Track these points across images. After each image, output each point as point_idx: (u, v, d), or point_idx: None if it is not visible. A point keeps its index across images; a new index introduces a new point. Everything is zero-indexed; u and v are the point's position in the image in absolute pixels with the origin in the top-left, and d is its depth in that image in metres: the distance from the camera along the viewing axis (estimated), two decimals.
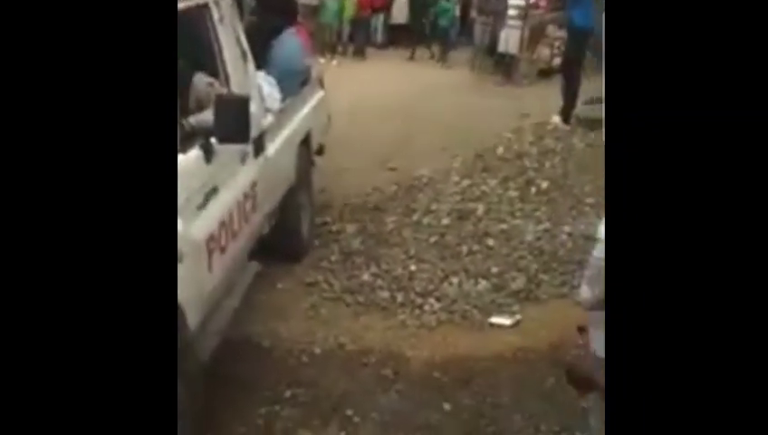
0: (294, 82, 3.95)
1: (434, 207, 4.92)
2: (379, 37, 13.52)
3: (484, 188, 5.26)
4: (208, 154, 2.48)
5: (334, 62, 11.34)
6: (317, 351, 3.28)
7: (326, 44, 11.67)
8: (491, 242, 4.39)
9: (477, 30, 11.07)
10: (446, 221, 4.69)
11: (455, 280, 3.95)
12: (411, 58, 12.18)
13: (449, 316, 3.62)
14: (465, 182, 5.37)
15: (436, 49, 12.20)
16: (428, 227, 4.64)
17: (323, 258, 4.19)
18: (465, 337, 3.45)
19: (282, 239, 3.77)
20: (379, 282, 3.93)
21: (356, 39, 12.60)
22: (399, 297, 3.78)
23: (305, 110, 4.11)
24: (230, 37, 2.96)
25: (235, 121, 2.40)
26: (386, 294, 3.82)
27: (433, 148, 6.28)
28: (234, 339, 3.00)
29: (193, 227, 2.34)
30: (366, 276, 3.99)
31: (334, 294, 3.82)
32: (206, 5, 2.77)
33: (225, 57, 2.86)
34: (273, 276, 3.84)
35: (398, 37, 13.42)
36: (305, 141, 4.09)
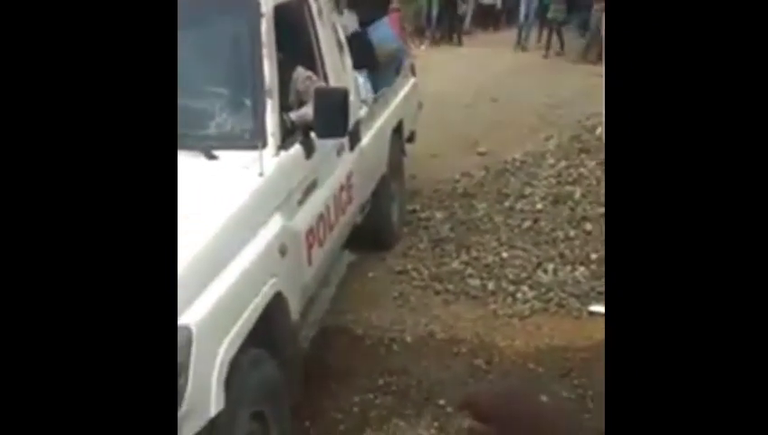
0: (387, 71, 3.96)
1: (527, 191, 4.83)
2: (468, 22, 13.31)
3: (582, 170, 5.12)
4: (309, 149, 2.53)
5: (422, 46, 11.28)
6: (408, 339, 3.31)
7: (416, 29, 11.62)
8: (589, 227, 4.27)
9: (594, 18, 10.55)
10: (540, 206, 4.60)
11: (549, 267, 3.88)
12: (519, 45, 11.66)
13: (544, 305, 3.56)
14: (562, 164, 5.24)
15: (528, 32, 11.79)
16: (521, 212, 4.57)
17: (412, 246, 4.21)
18: (562, 327, 3.38)
19: (373, 228, 3.82)
20: (470, 270, 3.91)
21: (444, 23, 12.46)
22: (491, 285, 3.75)
23: (398, 99, 4.12)
24: (328, 30, 3.00)
25: (334, 115, 2.42)
26: (476, 282, 3.80)
27: (525, 130, 6.15)
28: (329, 327, 3.08)
29: (294, 222, 2.40)
30: (456, 264, 3.98)
31: (423, 282, 3.84)
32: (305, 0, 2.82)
33: (323, 50, 2.89)
34: (365, 265, 3.90)
35: (488, 20, 13.17)
36: (397, 130, 4.11)
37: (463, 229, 4.40)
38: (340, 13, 3.48)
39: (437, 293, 3.73)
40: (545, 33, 11.32)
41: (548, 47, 11.06)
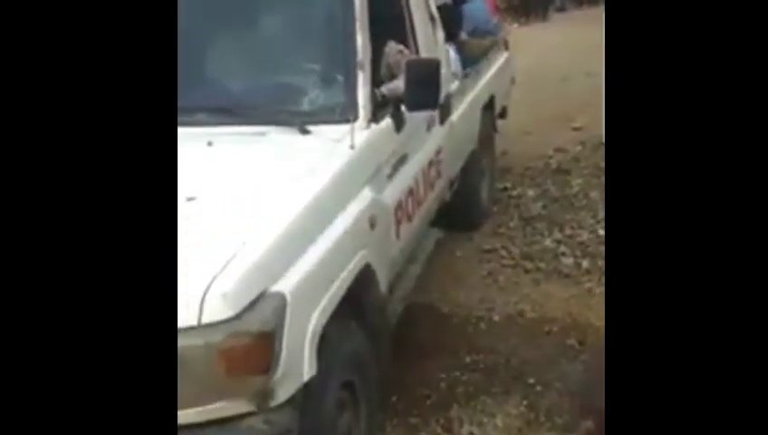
0: (480, 43, 3.89)
1: None
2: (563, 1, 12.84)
3: None
4: (399, 123, 2.53)
5: (515, 24, 11.01)
6: (496, 318, 3.27)
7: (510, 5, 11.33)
8: None
9: None
10: None
11: None
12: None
13: None
14: None
15: None
16: None
17: (502, 224, 4.14)
18: None
19: (461, 206, 3.78)
20: (563, 248, 3.80)
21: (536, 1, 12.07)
22: (585, 264, 3.63)
23: (490, 73, 4.03)
24: (420, 3, 2.96)
25: (425, 87, 2.40)
26: (570, 260, 3.68)
27: None
28: (415, 305, 3.09)
29: (384, 195, 2.41)
30: (548, 242, 3.88)
31: (513, 261, 3.77)
32: None
33: (414, 24, 2.87)
34: (452, 243, 3.87)
35: None
36: (489, 105, 4.03)
37: (556, 207, 4.27)
38: None
39: (527, 271, 3.65)
40: None
41: None
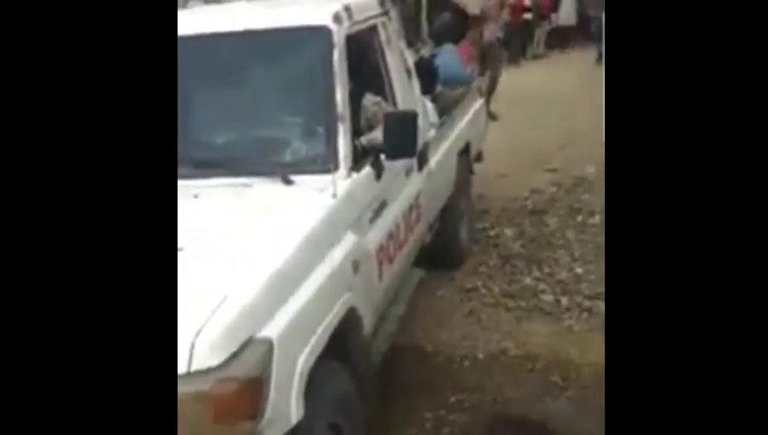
0: (454, 93, 4.06)
1: (600, 206, 4.76)
2: (541, 48, 13.23)
3: None
4: (378, 171, 2.64)
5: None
6: (480, 356, 3.33)
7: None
8: None
9: None
10: None
11: None
12: (599, 60, 11.51)
13: None
14: None
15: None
16: (594, 226, 4.51)
17: (482, 263, 4.24)
18: None
19: (441, 246, 3.88)
20: (542, 286, 3.90)
21: (511, 46, 12.45)
22: (565, 301, 3.72)
23: (464, 120, 4.19)
24: (396, 57, 3.12)
25: (403, 137, 2.51)
26: (550, 297, 3.78)
27: (598, 146, 6.06)
28: (400, 344, 3.15)
29: (366, 240, 2.51)
30: (527, 280, 3.98)
31: (494, 299, 3.85)
32: (374, 28, 2.95)
33: (391, 76, 3.01)
34: (433, 283, 3.95)
35: (564, 40, 13.05)
36: (465, 150, 4.18)
37: (534, 246, 4.39)
38: (424, 43, 3.62)
39: (509, 309, 3.73)
40: None
41: None
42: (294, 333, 1.89)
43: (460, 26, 4.51)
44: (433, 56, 3.99)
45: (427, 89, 3.66)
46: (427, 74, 3.63)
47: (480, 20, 5.27)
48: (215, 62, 2.70)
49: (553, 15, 13.38)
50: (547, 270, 4.06)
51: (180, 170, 2.36)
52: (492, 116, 7.10)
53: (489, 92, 5.09)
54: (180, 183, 2.32)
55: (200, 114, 2.69)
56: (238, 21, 2.79)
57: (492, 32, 6.03)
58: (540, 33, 13.22)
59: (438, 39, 4.06)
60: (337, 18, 2.62)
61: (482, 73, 4.81)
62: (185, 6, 3.26)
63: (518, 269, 4.12)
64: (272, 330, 1.81)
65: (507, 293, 3.88)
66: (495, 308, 3.77)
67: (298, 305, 1.95)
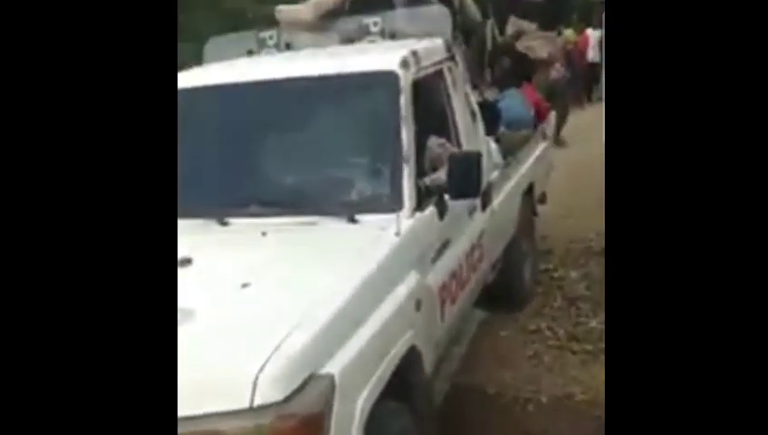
0: (517, 135, 4.09)
1: None
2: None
3: None
4: (442, 211, 2.67)
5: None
6: (544, 400, 3.26)
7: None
8: None
9: None
10: None
11: None
12: None
13: None
14: None
15: None
16: None
17: (546, 305, 4.18)
18: None
19: (504, 287, 3.85)
20: None
21: (575, 88, 12.38)
22: None
23: (529, 161, 4.20)
24: (461, 99, 3.18)
25: (467, 177, 2.54)
26: None
27: None
28: (461, 385, 3.13)
29: (428, 278, 2.53)
30: (594, 323, 3.89)
31: (559, 341, 3.78)
32: (440, 72, 3.02)
33: (456, 118, 3.07)
34: (496, 324, 3.91)
35: None
36: (528, 191, 4.17)
37: (600, 288, 4.28)
38: (489, 86, 3.68)
39: (574, 353, 3.65)
40: None
41: None
42: (356, 370, 1.91)
43: (522, 71, 4.56)
44: (497, 100, 4.04)
45: (491, 130, 3.70)
46: (491, 116, 3.67)
47: (547, 63, 5.30)
48: (287, 104, 2.81)
49: None
50: None
51: (250, 209, 2.53)
52: (561, 143, 7.04)
53: (559, 127, 5.10)
54: (249, 221, 2.47)
55: (270, 155, 2.80)
56: (311, 66, 2.92)
57: (558, 72, 6.05)
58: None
59: (500, 84, 4.11)
60: (404, 64, 2.71)
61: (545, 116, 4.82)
62: (259, 53, 3.43)
63: (583, 312, 4.03)
64: (334, 366, 1.83)
65: (572, 335, 3.80)
66: (560, 351, 3.70)
67: (360, 343, 1.98)
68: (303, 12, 3.47)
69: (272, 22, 3.63)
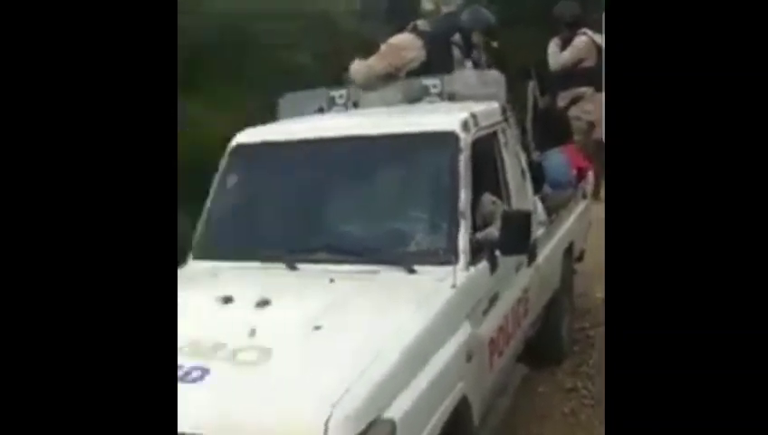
0: (560, 194, 4.22)
1: None
2: None
3: None
4: (493, 265, 2.79)
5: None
6: None
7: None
8: None
9: None
10: None
11: None
12: None
13: None
14: None
15: None
16: None
17: (582, 363, 4.20)
18: None
19: (543, 343, 3.91)
20: None
21: None
22: None
23: (570, 220, 4.31)
24: (513, 159, 3.32)
25: (518, 235, 2.67)
26: None
27: None
28: None
29: (480, 330, 2.63)
30: None
31: (594, 400, 3.80)
32: (495, 133, 3.19)
33: (508, 177, 3.21)
34: (534, 380, 3.95)
35: None
36: (569, 249, 4.27)
37: None
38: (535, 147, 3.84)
39: None
40: None
41: None
42: (414, 417, 2.01)
43: (561, 132, 4.69)
44: (540, 160, 4.18)
45: (536, 189, 3.83)
46: (536, 176, 3.80)
47: (593, 124, 5.46)
48: (355, 160, 3.00)
49: None
50: None
51: (318, 255, 2.68)
52: (600, 199, 7.10)
53: (598, 184, 5.20)
54: (318, 267, 2.62)
55: (338, 206, 2.97)
56: (378, 125, 3.11)
57: (599, 133, 6.19)
58: None
59: (540, 145, 4.26)
60: (465, 125, 2.87)
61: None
62: (329, 110, 3.62)
63: None
64: (395, 412, 1.93)
65: None
66: (596, 409, 3.72)
67: (418, 390, 2.07)
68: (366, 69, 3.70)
69: (329, 79, 3.86)
